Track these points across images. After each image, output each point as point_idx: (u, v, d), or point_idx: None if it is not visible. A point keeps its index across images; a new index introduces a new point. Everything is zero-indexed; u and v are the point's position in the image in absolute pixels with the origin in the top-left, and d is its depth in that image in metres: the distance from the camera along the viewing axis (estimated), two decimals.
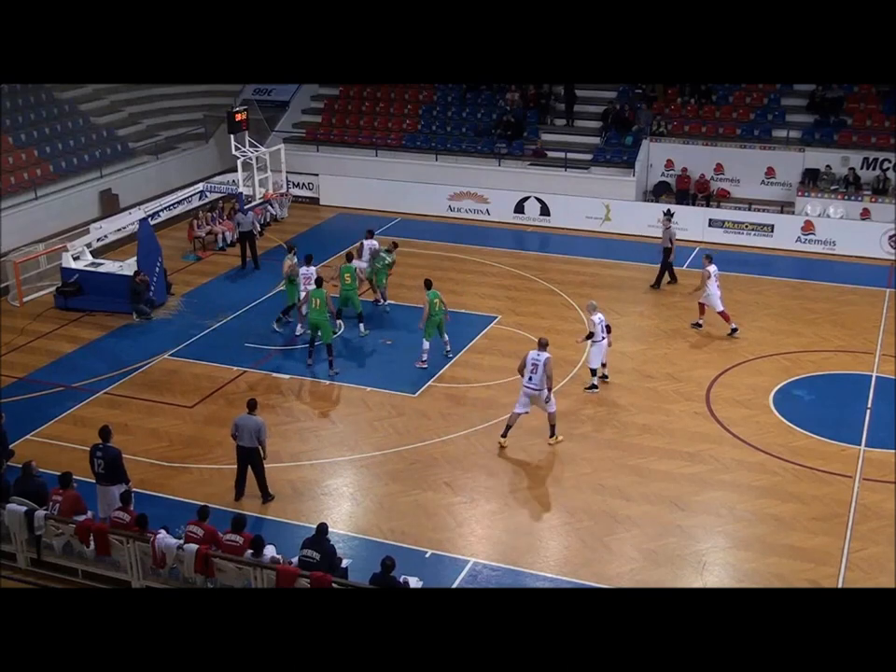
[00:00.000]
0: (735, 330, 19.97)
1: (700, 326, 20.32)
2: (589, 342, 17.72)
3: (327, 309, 18.46)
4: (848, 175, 26.02)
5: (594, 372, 17.72)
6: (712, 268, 19.81)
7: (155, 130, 31.14)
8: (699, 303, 20.20)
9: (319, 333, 18.52)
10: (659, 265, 22.80)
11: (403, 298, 22.01)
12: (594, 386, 17.66)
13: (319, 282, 18.92)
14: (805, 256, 25.01)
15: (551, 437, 15.96)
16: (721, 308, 19.89)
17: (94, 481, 13.54)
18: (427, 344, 18.61)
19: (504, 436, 15.89)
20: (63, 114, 29.46)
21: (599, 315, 17.65)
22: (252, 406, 14.35)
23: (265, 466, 14.47)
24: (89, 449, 13.64)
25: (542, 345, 15.75)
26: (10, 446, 15.41)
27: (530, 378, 15.53)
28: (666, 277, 22.84)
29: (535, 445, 16.00)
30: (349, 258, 20.67)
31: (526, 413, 15.79)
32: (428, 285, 18.73)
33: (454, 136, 30.26)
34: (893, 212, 24.71)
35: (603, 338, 17.56)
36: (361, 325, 20.24)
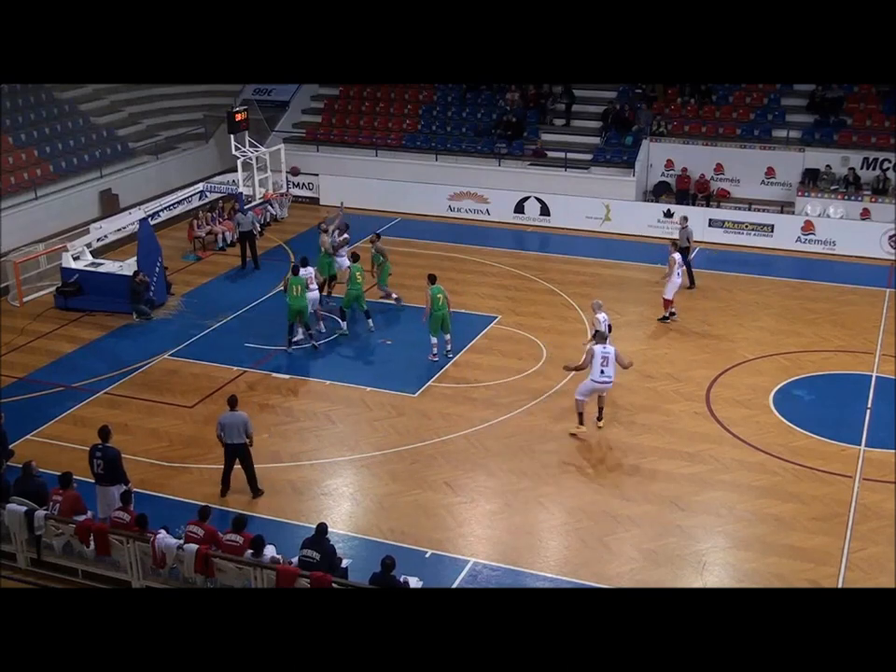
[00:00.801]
0: (665, 318, 20.65)
1: (673, 314, 20.73)
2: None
3: (307, 293, 19.19)
4: (848, 175, 26.02)
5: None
6: (677, 255, 20.38)
7: (155, 130, 31.14)
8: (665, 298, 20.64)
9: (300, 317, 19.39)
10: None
11: (403, 297, 21.99)
12: None
13: (296, 269, 19.40)
14: (805, 256, 25.00)
15: (600, 419, 16.48)
16: (670, 297, 20.41)
17: (94, 481, 13.56)
18: (434, 339, 18.74)
19: (582, 423, 16.17)
20: (62, 114, 29.46)
21: (603, 314, 17.72)
22: (233, 403, 14.44)
23: (254, 460, 14.58)
24: (88, 449, 13.65)
25: (604, 338, 16.05)
26: (10, 446, 15.42)
27: (602, 371, 15.78)
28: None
29: (535, 445, 16.00)
30: (355, 258, 20.66)
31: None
32: (432, 279, 18.83)
33: (454, 136, 30.26)
34: (893, 212, 24.70)
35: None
36: (370, 321, 20.31)
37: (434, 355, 18.83)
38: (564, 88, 29.92)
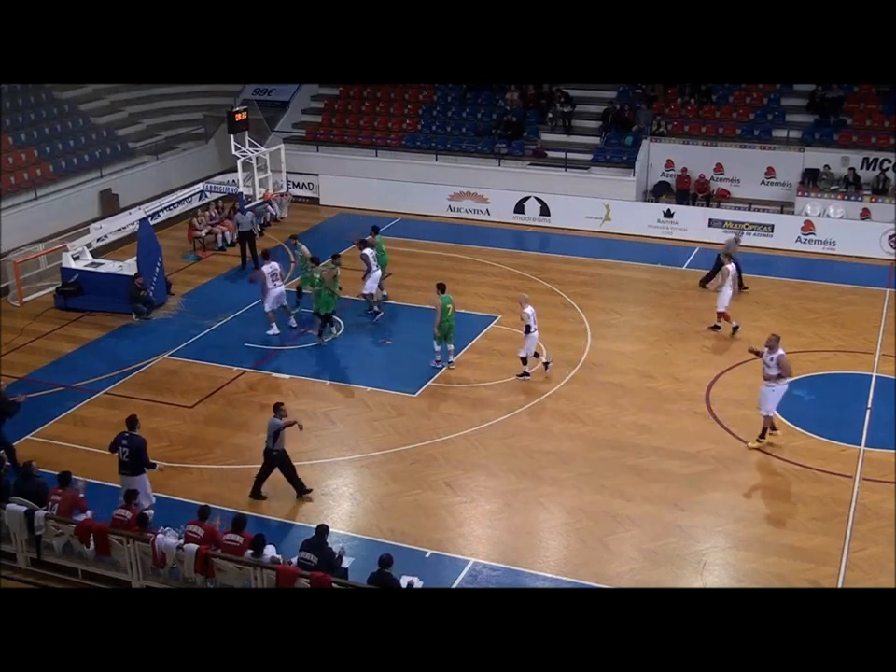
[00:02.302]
0: (736, 328, 19.97)
1: (718, 328, 20.19)
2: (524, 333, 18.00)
3: (325, 287, 19.40)
4: (848, 175, 26.01)
5: (524, 361, 18.01)
6: (731, 267, 20.00)
7: (155, 130, 31.15)
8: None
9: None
10: (711, 269, 22.49)
11: (403, 298, 22.01)
12: (525, 374, 18.06)
13: (317, 260, 20.12)
14: (805, 256, 24.99)
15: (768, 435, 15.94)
16: (723, 308, 19.92)
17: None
18: (437, 347, 18.51)
19: (774, 428, 15.83)
20: (62, 114, 29.46)
21: (531, 307, 17.97)
22: (273, 409, 14.61)
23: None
24: (114, 437, 13.84)
25: (780, 341, 15.76)
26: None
27: None
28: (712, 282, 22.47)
29: (535, 445, 16.00)
30: (315, 262, 20.59)
31: None
32: (442, 288, 18.54)
33: (454, 136, 30.25)
34: (893, 212, 24.70)
35: (535, 329, 17.91)
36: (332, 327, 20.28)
37: (437, 361, 18.61)
38: (564, 97, 29.82)
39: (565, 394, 17.62)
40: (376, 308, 21.14)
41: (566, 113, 29.64)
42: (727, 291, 19.95)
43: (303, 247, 21.48)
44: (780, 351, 15.48)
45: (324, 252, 24.54)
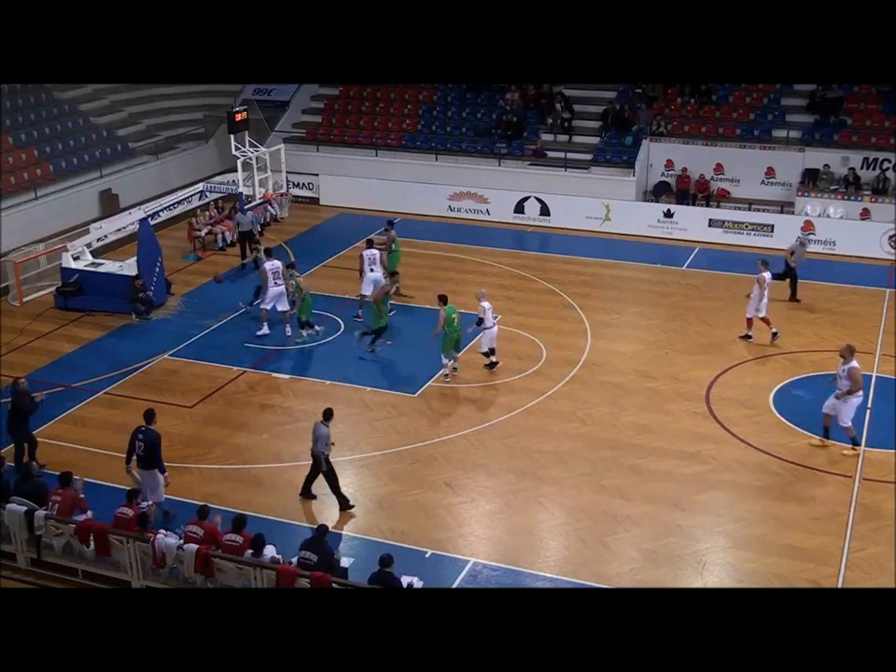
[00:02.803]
0: (748, 337, 19.75)
1: (750, 337, 19.79)
2: (481, 329, 18.22)
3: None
4: (848, 175, 26.01)
5: (486, 355, 18.38)
6: (767, 274, 19.70)
7: (155, 130, 31.16)
8: (748, 318, 19.86)
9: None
10: (789, 280, 21.85)
11: (402, 298, 21.99)
12: (493, 364, 18.36)
13: (293, 266, 20.47)
14: (805, 256, 24.94)
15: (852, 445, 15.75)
16: (750, 315, 19.68)
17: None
18: (445, 360, 18.23)
19: (827, 437, 15.78)
20: (62, 114, 29.47)
21: (487, 302, 18.15)
22: (324, 415, 14.43)
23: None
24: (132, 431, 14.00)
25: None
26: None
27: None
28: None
29: (535, 445, 16.00)
30: (291, 266, 20.59)
31: None
32: (444, 300, 18.30)
33: (454, 136, 30.25)
34: (893, 212, 24.70)
35: (493, 325, 18.10)
36: (304, 330, 20.16)
37: (447, 376, 18.28)
38: (564, 101, 29.81)
39: (565, 394, 17.62)
40: (359, 312, 20.99)
41: (565, 117, 29.64)
42: (762, 299, 19.50)
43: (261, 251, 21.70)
44: (853, 363, 15.37)
45: (324, 253, 24.73)
